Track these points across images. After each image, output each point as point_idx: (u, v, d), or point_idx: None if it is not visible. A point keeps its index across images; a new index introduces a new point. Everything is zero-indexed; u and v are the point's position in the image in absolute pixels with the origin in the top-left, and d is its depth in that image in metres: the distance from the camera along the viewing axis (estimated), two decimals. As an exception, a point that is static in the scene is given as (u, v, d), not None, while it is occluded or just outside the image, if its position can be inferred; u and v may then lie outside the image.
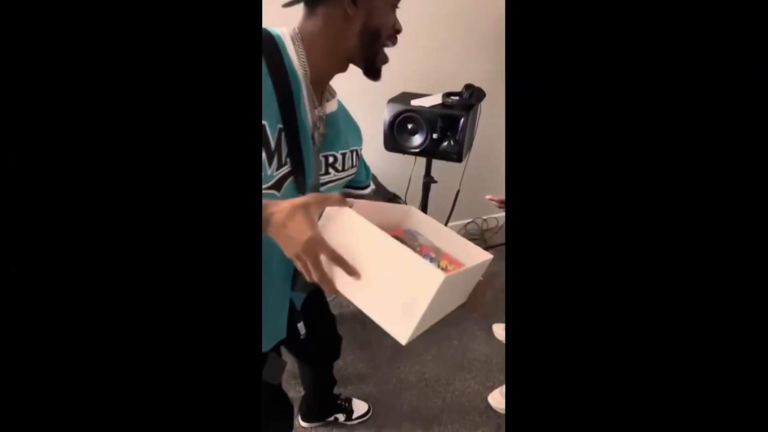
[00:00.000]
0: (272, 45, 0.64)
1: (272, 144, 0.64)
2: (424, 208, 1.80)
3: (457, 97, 1.54)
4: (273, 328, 0.80)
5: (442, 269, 0.62)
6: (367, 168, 0.94)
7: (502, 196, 1.32)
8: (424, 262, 0.49)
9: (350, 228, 0.54)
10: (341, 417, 1.42)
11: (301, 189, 0.70)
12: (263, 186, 0.66)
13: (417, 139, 1.57)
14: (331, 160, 0.77)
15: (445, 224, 0.81)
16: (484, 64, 1.94)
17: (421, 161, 1.77)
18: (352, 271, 0.52)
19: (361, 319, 1.75)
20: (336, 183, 0.80)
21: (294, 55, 0.66)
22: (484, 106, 1.69)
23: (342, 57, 0.70)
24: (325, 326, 1.11)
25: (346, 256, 0.52)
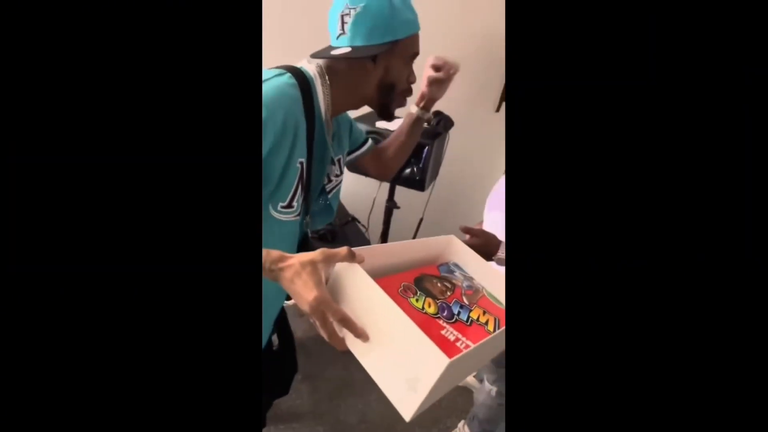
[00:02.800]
0: (307, 88, 0.69)
1: (304, 177, 0.70)
2: (385, 233, 1.76)
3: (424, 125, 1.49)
4: (273, 309, 0.84)
5: (469, 322, 0.59)
6: (359, 129, 0.97)
7: (478, 224, 1.16)
8: (428, 343, 0.45)
9: (357, 288, 0.52)
10: None
11: (307, 206, 0.78)
12: (294, 214, 0.72)
13: (379, 163, 1.48)
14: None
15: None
16: (457, 89, 1.71)
17: (386, 184, 1.68)
18: (359, 333, 0.50)
19: (307, 348, 1.60)
20: (339, 185, 0.86)
21: (321, 94, 0.71)
22: (453, 133, 1.60)
23: (359, 100, 0.77)
24: (288, 348, 1.06)
25: (355, 315, 0.50)
